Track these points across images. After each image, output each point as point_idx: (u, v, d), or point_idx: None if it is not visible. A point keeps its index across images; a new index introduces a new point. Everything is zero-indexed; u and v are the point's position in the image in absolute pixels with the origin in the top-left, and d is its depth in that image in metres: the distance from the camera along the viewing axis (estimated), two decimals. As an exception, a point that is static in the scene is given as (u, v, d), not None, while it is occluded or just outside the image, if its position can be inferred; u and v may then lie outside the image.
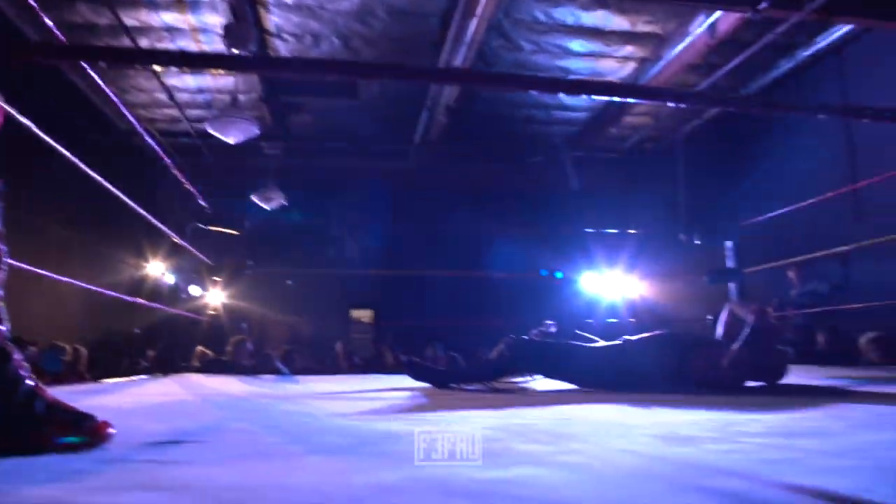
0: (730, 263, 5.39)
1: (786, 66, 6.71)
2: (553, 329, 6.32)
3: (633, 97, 5.51)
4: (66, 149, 2.91)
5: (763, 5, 5.00)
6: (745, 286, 5.43)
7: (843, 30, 6.00)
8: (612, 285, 8.57)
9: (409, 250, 10.07)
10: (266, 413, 1.92)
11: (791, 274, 6.33)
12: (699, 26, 5.90)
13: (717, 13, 5.64)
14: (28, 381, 1.21)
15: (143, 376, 4.74)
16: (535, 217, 9.79)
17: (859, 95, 6.11)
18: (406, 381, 2.85)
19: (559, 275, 9.21)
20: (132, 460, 1.06)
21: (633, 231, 9.52)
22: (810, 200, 4.89)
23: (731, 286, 5.56)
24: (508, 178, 10.29)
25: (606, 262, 8.65)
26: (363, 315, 10.90)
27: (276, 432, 1.46)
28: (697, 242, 6.14)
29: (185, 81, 7.06)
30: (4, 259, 1.30)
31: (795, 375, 3.09)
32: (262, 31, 5.97)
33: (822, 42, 6.23)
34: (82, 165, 2.55)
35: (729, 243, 5.45)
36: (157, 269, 8.50)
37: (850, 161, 6.22)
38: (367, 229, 10.42)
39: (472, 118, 8.15)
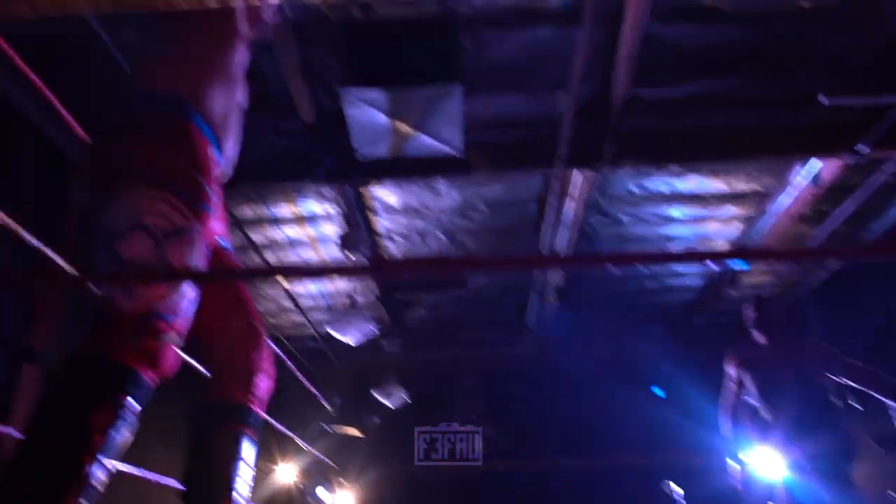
0: (898, 425, 4.70)
1: (907, 203, 6.36)
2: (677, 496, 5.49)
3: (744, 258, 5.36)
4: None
5: (862, 149, 4.90)
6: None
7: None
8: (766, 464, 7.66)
9: (533, 439, 9.67)
10: None
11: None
12: (800, 177, 5.81)
13: (818, 163, 5.56)
14: None
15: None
16: (670, 391, 9.25)
17: None
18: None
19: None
20: None
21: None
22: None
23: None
24: (631, 352, 9.94)
25: (758, 436, 7.84)
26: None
27: None
28: (854, 406, 5.50)
29: (307, 287, 7.63)
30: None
31: None
32: (373, 234, 6.48)
33: (942, 175, 5.91)
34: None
35: (893, 403, 4.79)
36: (286, 474, 8.59)
37: None
38: (489, 420, 10.20)
39: (584, 295, 8.14)
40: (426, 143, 4.45)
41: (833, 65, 4.58)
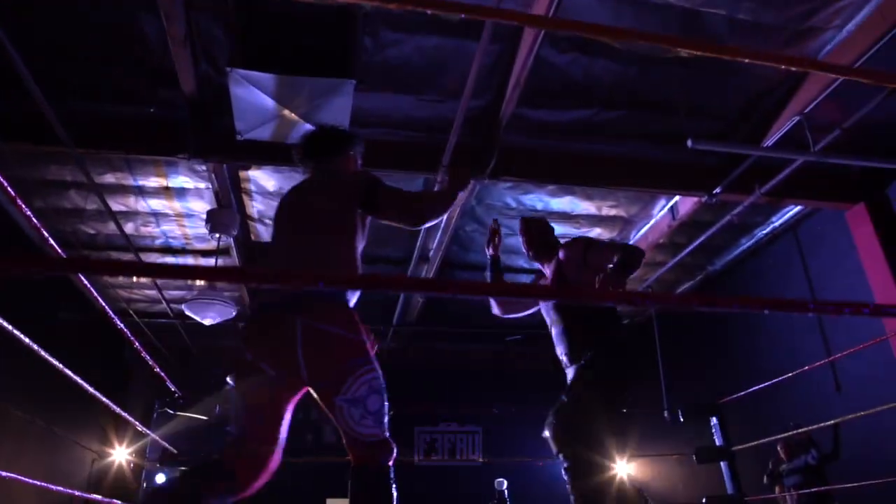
0: (718, 441, 5.21)
1: (746, 243, 7.03)
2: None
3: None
4: (33, 327, 2.91)
5: (716, 191, 5.36)
6: (736, 464, 5.22)
7: (796, 209, 6.37)
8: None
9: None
10: None
11: (780, 449, 6.17)
12: (661, 210, 6.25)
13: (677, 197, 6.01)
14: None
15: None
16: (517, 397, 9.66)
17: (820, 266, 6.36)
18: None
19: None
20: None
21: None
22: (789, 374, 4.89)
23: (723, 465, 5.34)
24: (487, 357, 10.28)
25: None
26: (340, 504, 10.29)
27: None
28: (682, 420, 6.03)
29: (165, 260, 7.16)
30: None
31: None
32: (245, 216, 6.21)
33: (778, 221, 6.59)
34: (37, 348, 2.50)
35: (714, 420, 5.30)
36: (122, 456, 8.07)
37: (822, 335, 6.32)
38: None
39: (449, 299, 8.28)
40: (312, 132, 4.31)
41: (701, 112, 4.95)
